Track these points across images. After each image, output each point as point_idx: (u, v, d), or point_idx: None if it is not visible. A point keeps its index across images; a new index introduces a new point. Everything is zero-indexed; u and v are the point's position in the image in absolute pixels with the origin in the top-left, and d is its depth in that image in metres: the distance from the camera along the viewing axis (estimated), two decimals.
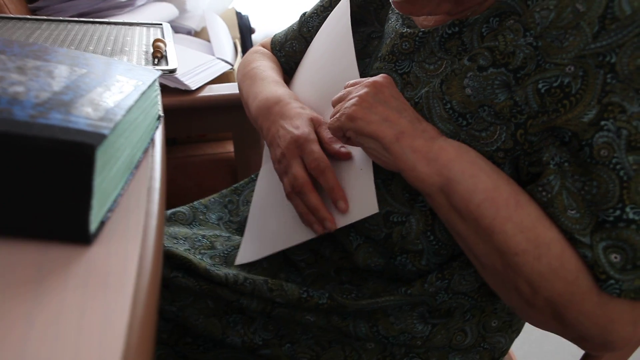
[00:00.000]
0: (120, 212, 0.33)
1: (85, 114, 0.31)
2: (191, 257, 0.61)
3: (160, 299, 0.62)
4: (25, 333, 0.23)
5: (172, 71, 0.60)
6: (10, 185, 0.28)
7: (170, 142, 1.25)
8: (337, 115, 0.51)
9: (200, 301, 0.61)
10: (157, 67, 0.59)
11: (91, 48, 0.65)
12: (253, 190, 0.79)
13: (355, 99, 0.49)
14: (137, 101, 0.37)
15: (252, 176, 0.84)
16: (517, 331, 0.65)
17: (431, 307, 0.56)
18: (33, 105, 0.30)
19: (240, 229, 0.76)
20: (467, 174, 0.45)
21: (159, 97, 0.44)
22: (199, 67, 1.09)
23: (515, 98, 0.46)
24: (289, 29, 0.81)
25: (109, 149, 0.31)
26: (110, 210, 0.32)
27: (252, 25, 1.66)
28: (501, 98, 0.47)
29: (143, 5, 1.26)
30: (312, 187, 0.55)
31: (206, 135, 1.28)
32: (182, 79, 0.99)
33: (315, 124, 0.60)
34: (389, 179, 0.54)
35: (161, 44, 0.65)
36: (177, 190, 1.21)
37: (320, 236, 0.56)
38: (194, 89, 1.01)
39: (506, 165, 0.47)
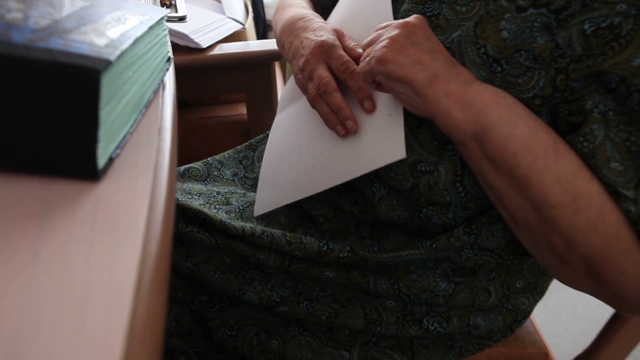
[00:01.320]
0: (130, 150, 0.31)
1: (89, 41, 0.28)
2: (206, 210, 0.59)
3: (174, 253, 0.60)
4: (31, 266, 0.22)
5: (182, 18, 0.57)
6: (9, 116, 0.26)
7: (181, 104, 1.23)
8: (367, 59, 0.48)
9: (216, 257, 0.60)
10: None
11: None
12: None
13: (386, 41, 0.46)
14: (144, 34, 0.34)
15: (267, 132, 0.82)
16: (541, 293, 0.63)
17: (455, 264, 0.54)
18: (32, 30, 0.28)
19: (255, 186, 0.74)
20: (503, 120, 0.42)
21: (168, 38, 0.42)
22: (209, 26, 1.05)
23: (557, 40, 0.42)
24: None
25: (116, 80, 0.29)
26: (120, 147, 0.30)
27: None
28: (540, 42, 0.43)
29: None
30: (336, 86, 0.54)
31: (218, 97, 1.25)
32: (192, 37, 0.96)
33: (338, 34, 0.58)
34: (417, 126, 0.51)
35: None
36: (189, 153, 1.19)
37: (340, 188, 0.54)
38: (204, 47, 0.97)
39: (543, 113, 0.44)
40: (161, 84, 0.40)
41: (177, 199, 0.60)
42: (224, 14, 1.22)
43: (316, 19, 0.64)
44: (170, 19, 0.56)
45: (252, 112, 1.10)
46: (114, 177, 0.28)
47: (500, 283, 0.57)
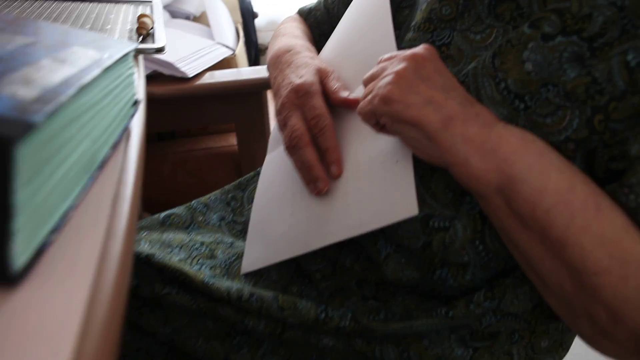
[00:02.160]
0: (71, 234, 0.23)
1: (10, 94, 0.21)
2: (186, 268, 0.52)
3: (150, 318, 0.53)
4: None
5: (160, 50, 0.51)
6: None
7: (169, 136, 1.16)
8: (369, 97, 0.41)
9: (199, 321, 0.52)
10: (140, 46, 0.49)
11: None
12: None
13: (391, 76, 0.39)
14: (97, 79, 0.27)
15: (258, 169, 0.74)
16: (567, 349, 0.55)
17: (474, 330, 0.47)
18: None
19: (245, 231, 0.66)
20: (534, 171, 0.35)
21: (136, 77, 0.35)
22: (197, 53, 0.99)
23: (593, 74, 0.36)
24: (318, 0, 0.75)
25: (47, 146, 0.21)
26: (55, 231, 0.23)
27: (255, 9, 1.55)
28: (570, 75, 0.37)
29: None
30: (308, 140, 0.49)
31: (208, 127, 1.18)
32: (177, 66, 0.89)
33: (322, 74, 0.53)
34: (428, 175, 0.44)
35: (147, 20, 0.55)
36: (177, 188, 1.11)
37: (339, 243, 0.47)
38: (191, 76, 0.91)
39: (577, 159, 0.37)
40: (124, 135, 0.33)
41: (154, 254, 0.53)
42: (213, 39, 1.16)
43: (304, 52, 0.59)
44: (145, 52, 0.50)
45: (243, 143, 1.03)
46: (41, 280, 0.21)
47: (524, 346, 0.50)
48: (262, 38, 1.55)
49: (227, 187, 0.72)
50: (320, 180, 0.49)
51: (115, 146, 0.31)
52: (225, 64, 1.09)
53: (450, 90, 0.39)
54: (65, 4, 0.67)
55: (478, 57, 0.43)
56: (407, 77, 0.39)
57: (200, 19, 1.38)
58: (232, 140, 1.14)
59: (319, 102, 0.50)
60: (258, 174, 0.73)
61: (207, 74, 0.96)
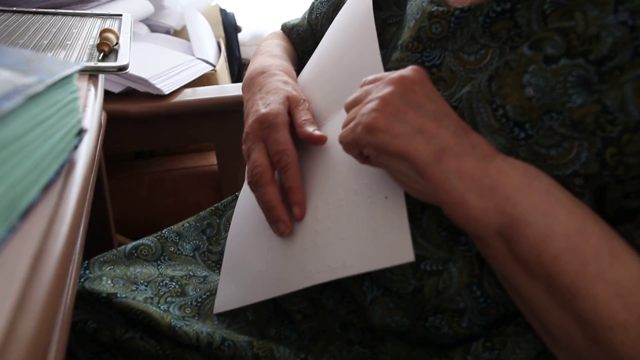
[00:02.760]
0: None
1: None
2: (152, 310, 0.47)
3: None
4: None
5: (122, 68, 0.46)
6: None
7: (146, 154, 1.10)
8: (352, 125, 0.36)
9: None
10: (100, 64, 0.45)
11: (20, 41, 0.51)
12: None
13: (376, 102, 0.35)
14: (16, 110, 0.22)
15: (237, 193, 0.69)
16: None
17: None
18: None
19: (221, 262, 0.61)
20: (539, 211, 0.31)
21: (78, 103, 0.30)
22: (174, 69, 0.95)
23: (604, 101, 0.32)
24: (302, 15, 0.71)
25: None
26: None
27: (239, 23, 1.51)
28: (577, 101, 0.33)
29: (113, 0, 1.12)
30: (270, 178, 0.46)
31: (186, 145, 1.13)
32: (153, 82, 0.85)
33: (291, 103, 0.50)
34: (419, 211, 0.39)
35: (111, 35, 0.50)
36: (155, 210, 1.06)
37: (321, 284, 0.42)
38: (167, 93, 0.86)
39: (586, 195, 0.33)
40: (64, 171, 0.28)
41: (116, 293, 0.47)
42: (193, 54, 1.12)
43: (278, 75, 0.55)
44: (104, 70, 0.45)
45: (224, 162, 0.98)
46: None
47: None
48: (246, 53, 1.51)
49: (202, 213, 0.67)
50: (282, 222, 0.45)
51: (47, 187, 0.26)
52: (206, 80, 1.04)
53: (442, 118, 0.34)
54: (25, 16, 0.62)
55: (473, 79, 0.39)
56: (393, 103, 0.34)
57: (180, 33, 1.34)
58: (212, 159, 1.09)
59: (283, 136, 0.46)
60: (236, 198, 0.68)
61: (187, 91, 0.92)
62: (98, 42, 0.51)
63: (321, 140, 0.46)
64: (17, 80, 0.24)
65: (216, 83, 1.07)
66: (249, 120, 0.49)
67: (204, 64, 1.06)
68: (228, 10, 1.50)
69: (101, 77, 0.47)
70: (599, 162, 0.32)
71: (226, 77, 1.21)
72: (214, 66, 1.08)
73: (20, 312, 0.19)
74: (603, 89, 0.32)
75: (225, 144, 0.96)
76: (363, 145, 0.35)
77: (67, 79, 0.28)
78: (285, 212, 0.45)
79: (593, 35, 0.32)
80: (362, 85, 0.40)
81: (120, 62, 0.47)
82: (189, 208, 1.07)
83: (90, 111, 0.38)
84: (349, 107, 0.39)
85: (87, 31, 0.59)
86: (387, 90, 0.35)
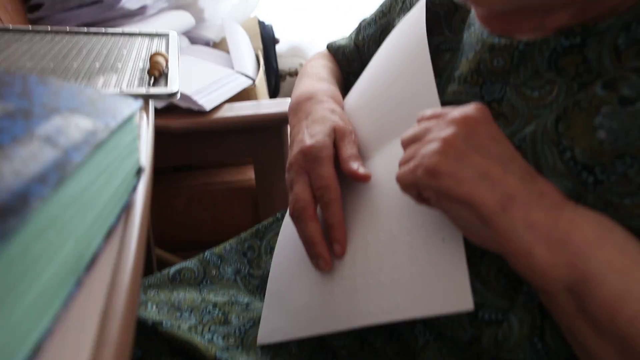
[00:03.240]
0: None
1: None
2: (197, 341, 0.46)
3: None
4: None
5: (172, 95, 0.46)
6: None
7: (184, 168, 1.11)
8: (412, 166, 0.35)
9: None
10: (151, 90, 0.44)
11: (75, 65, 0.51)
12: (278, 234, 0.64)
13: (438, 143, 0.33)
14: (86, 160, 0.22)
15: (278, 215, 0.69)
16: None
17: None
18: None
19: (262, 286, 0.60)
20: (614, 269, 0.29)
21: (137, 142, 0.29)
22: (215, 83, 0.95)
23: None
24: (349, 35, 0.70)
25: (11, 267, 0.16)
26: None
27: (277, 35, 1.52)
28: None
29: (156, 14, 1.13)
30: (312, 213, 0.45)
31: (225, 159, 1.14)
32: (195, 99, 0.85)
33: (337, 134, 0.48)
34: (478, 256, 0.37)
35: (160, 59, 0.50)
36: (191, 223, 1.06)
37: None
38: (209, 109, 0.87)
39: None
40: (123, 217, 0.28)
41: (161, 322, 0.47)
42: (232, 66, 1.12)
43: (326, 101, 0.54)
44: (156, 97, 0.45)
45: (261, 178, 0.97)
46: None
47: None
48: (283, 64, 1.51)
49: (243, 235, 0.66)
50: (322, 259, 0.44)
51: (110, 234, 0.26)
52: (245, 93, 1.04)
53: (508, 162, 0.32)
54: (77, 37, 0.63)
55: (536, 117, 0.37)
56: (457, 145, 0.32)
57: (219, 45, 1.35)
58: (249, 174, 1.09)
59: (327, 171, 0.45)
60: (277, 220, 0.67)
61: (226, 106, 0.92)
62: (148, 66, 0.51)
63: (365, 179, 0.45)
64: (83, 125, 0.24)
65: (255, 97, 1.07)
66: (294, 149, 0.48)
67: (244, 77, 1.06)
68: (266, 22, 1.50)
69: (151, 102, 0.47)
70: None
71: (264, 90, 1.22)
72: (254, 80, 1.08)
73: None
74: None
75: (263, 159, 0.96)
76: (423, 188, 0.34)
77: (128, 119, 0.28)
78: (326, 249, 0.44)
79: None
80: (419, 120, 0.38)
81: (170, 88, 0.47)
82: (225, 222, 1.07)
83: (144, 143, 0.37)
84: (406, 144, 0.38)
85: (136, 52, 0.59)
86: (449, 130, 0.33)
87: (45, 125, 0.22)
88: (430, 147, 0.34)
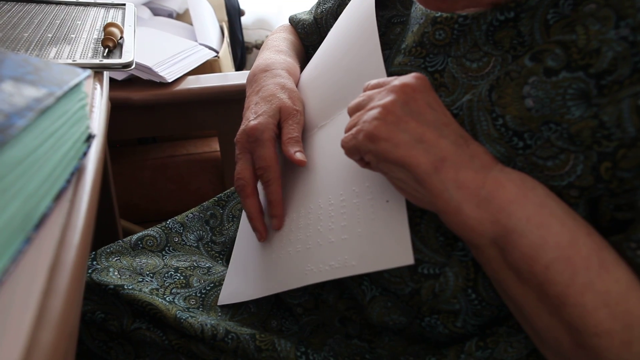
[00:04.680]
0: None
1: None
2: (158, 302, 0.48)
3: (120, 353, 0.49)
4: None
5: (127, 66, 0.46)
6: None
7: (149, 141, 1.11)
8: (354, 131, 0.37)
9: (171, 357, 0.48)
10: (105, 61, 0.45)
11: (25, 35, 0.51)
12: (240, 202, 0.66)
13: (378, 109, 0.35)
14: (31, 125, 0.23)
15: None
16: None
17: None
18: None
19: (224, 253, 0.63)
20: (533, 223, 0.32)
21: (87, 110, 0.31)
22: (177, 55, 0.95)
23: (601, 117, 0.32)
24: (310, 9, 0.72)
25: None
26: None
27: (242, 6, 1.50)
28: (576, 114, 0.33)
29: None
30: (251, 190, 0.50)
31: (189, 132, 1.14)
32: (156, 70, 0.85)
33: (282, 115, 0.51)
34: (418, 217, 0.40)
35: (114, 30, 0.51)
36: (157, 195, 1.07)
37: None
38: (170, 81, 0.87)
39: (580, 206, 0.34)
40: (74, 178, 0.29)
41: (123, 285, 0.49)
42: (195, 39, 1.11)
43: (279, 75, 0.56)
44: (109, 68, 0.45)
45: (226, 150, 0.99)
46: None
47: None
48: (249, 36, 1.50)
49: (206, 203, 0.68)
50: (259, 232, 0.50)
51: (60, 195, 0.27)
52: (208, 66, 1.04)
53: (443, 127, 0.35)
54: (29, 6, 0.62)
55: (474, 87, 0.39)
56: (395, 111, 0.35)
57: (183, 16, 1.33)
58: (214, 145, 1.10)
59: (267, 152, 0.48)
60: None
61: (190, 78, 0.92)
62: (102, 36, 0.51)
63: (301, 164, 0.48)
64: (27, 93, 0.25)
65: (219, 69, 1.07)
66: (240, 128, 0.51)
67: (207, 50, 1.06)
68: None
69: (106, 73, 0.48)
70: (594, 175, 0.33)
71: (229, 63, 1.21)
72: (217, 52, 1.08)
73: (40, 323, 0.20)
74: (601, 102, 0.33)
75: (228, 131, 0.97)
76: (364, 152, 0.36)
77: (75, 87, 0.29)
78: (261, 224, 0.50)
79: (594, 50, 0.33)
80: (365, 90, 0.40)
81: (125, 58, 0.48)
82: (191, 194, 1.08)
83: (97, 112, 0.38)
84: (351, 112, 0.40)
85: (90, 23, 0.59)
86: (389, 98, 0.36)
87: None
88: (370, 113, 0.36)
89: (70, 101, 0.28)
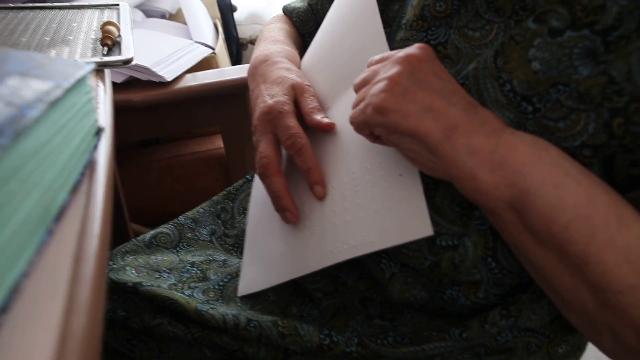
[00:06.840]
0: (24, 309, 0.20)
1: None
2: (177, 295, 0.48)
3: (143, 349, 0.49)
4: None
5: (127, 62, 0.46)
6: None
7: (153, 142, 1.11)
8: (361, 106, 0.37)
9: (195, 350, 0.48)
10: (105, 59, 0.45)
11: (23, 40, 0.51)
12: (249, 194, 0.66)
13: (384, 82, 0.35)
14: (41, 117, 0.23)
15: (248, 176, 0.70)
16: (584, 349, 0.52)
17: (489, 346, 0.44)
18: None
19: (237, 245, 0.63)
20: (549, 183, 0.32)
21: (94, 103, 0.30)
22: (174, 54, 0.94)
23: (610, 73, 0.32)
24: None
25: None
26: (3, 309, 0.19)
27: (234, 2, 1.49)
28: (583, 73, 0.33)
29: None
30: (277, 168, 0.47)
31: (192, 130, 1.14)
32: (154, 70, 0.85)
33: (296, 91, 0.50)
34: (432, 189, 0.40)
35: (112, 28, 0.50)
36: (165, 196, 1.07)
37: (340, 262, 0.43)
38: (169, 80, 0.86)
39: (594, 165, 0.34)
40: (87, 171, 0.29)
41: (141, 282, 0.49)
42: (190, 38, 1.11)
43: (280, 62, 0.55)
44: (111, 65, 0.45)
45: (230, 146, 0.98)
46: None
47: (542, 355, 0.47)
48: (243, 32, 1.49)
49: (215, 197, 0.68)
50: (288, 211, 0.47)
51: (75, 188, 0.27)
52: (205, 63, 1.04)
53: (451, 95, 0.35)
54: (23, 12, 0.62)
55: (478, 56, 0.39)
56: (401, 82, 0.34)
57: (176, 16, 1.32)
58: (218, 142, 1.10)
59: (292, 122, 0.47)
60: (247, 181, 0.69)
61: (188, 76, 0.92)
62: (100, 36, 0.51)
63: (330, 128, 0.47)
64: (35, 86, 0.25)
65: (216, 65, 1.07)
66: (256, 112, 0.50)
67: (203, 47, 1.05)
68: None
69: (107, 71, 0.48)
70: (606, 132, 0.32)
71: (226, 59, 1.21)
72: (213, 49, 1.07)
73: (71, 311, 0.20)
74: (609, 59, 0.32)
75: (230, 126, 0.97)
76: (374, 126, 0.36)
77: (81, 80, 0.29)
78: (291, 202, 0.47)
79: (598, 6, 0.32)
80: (369, 65, 0.40)
81: (124, 55, 0.48)
82: (198, 192, 1.08)
83: (103, 108, 0.38)
84: (357, 88, 0.39)
85: (86, 24, 0.59)
86: (394, 69, 0.35)
87: None
88: (377, 87, 0.36)
89: (78, 93, 0.28)
